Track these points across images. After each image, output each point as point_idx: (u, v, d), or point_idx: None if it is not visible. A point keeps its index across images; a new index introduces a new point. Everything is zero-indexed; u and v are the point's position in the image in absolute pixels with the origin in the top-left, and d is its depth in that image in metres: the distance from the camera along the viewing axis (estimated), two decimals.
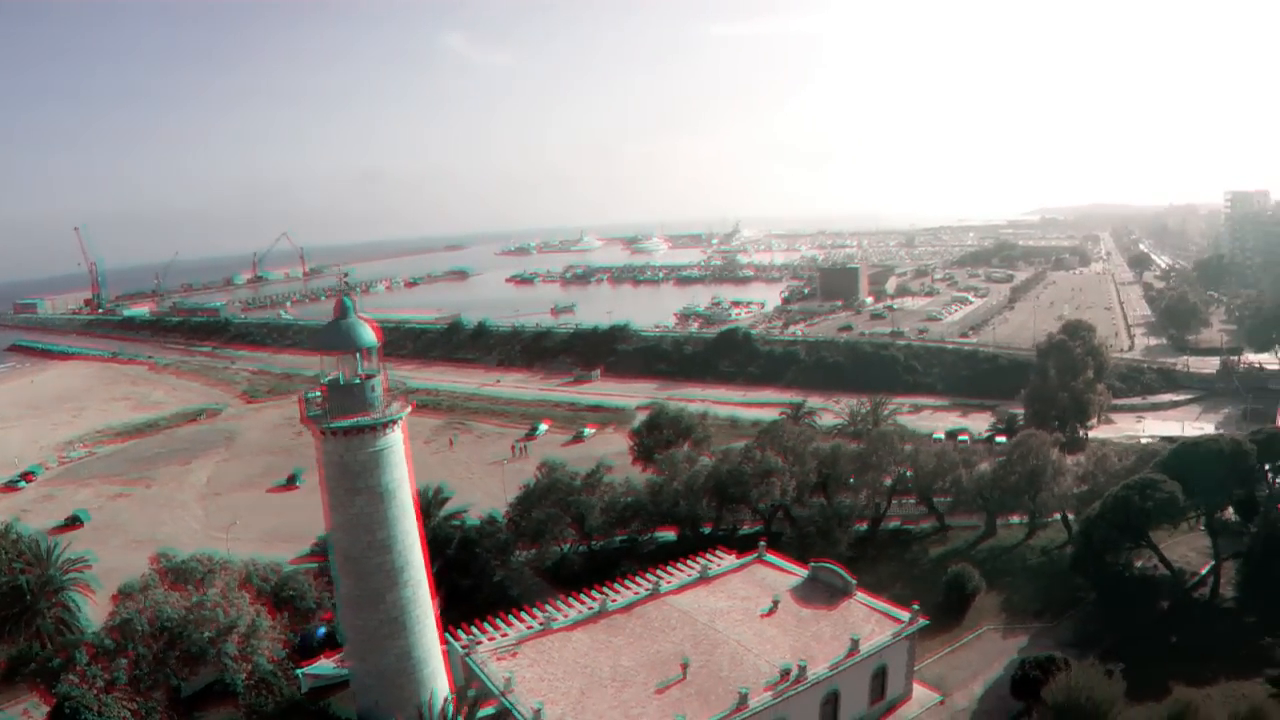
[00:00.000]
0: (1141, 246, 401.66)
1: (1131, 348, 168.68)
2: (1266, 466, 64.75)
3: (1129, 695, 48.82)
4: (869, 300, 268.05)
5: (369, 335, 41.35)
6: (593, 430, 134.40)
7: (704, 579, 63.23)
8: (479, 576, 73.34)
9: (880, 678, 53.89)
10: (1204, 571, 67.72)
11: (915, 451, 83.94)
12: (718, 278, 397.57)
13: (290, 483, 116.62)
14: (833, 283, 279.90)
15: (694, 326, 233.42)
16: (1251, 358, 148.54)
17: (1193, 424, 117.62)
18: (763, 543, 68.87)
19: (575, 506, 77.12)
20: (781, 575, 63.76)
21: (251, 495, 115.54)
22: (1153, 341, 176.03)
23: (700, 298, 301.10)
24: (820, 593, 60.04)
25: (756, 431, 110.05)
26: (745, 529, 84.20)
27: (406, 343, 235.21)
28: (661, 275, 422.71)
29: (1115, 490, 62.35)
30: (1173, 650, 53.83)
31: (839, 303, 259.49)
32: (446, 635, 51.86)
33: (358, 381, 41.25)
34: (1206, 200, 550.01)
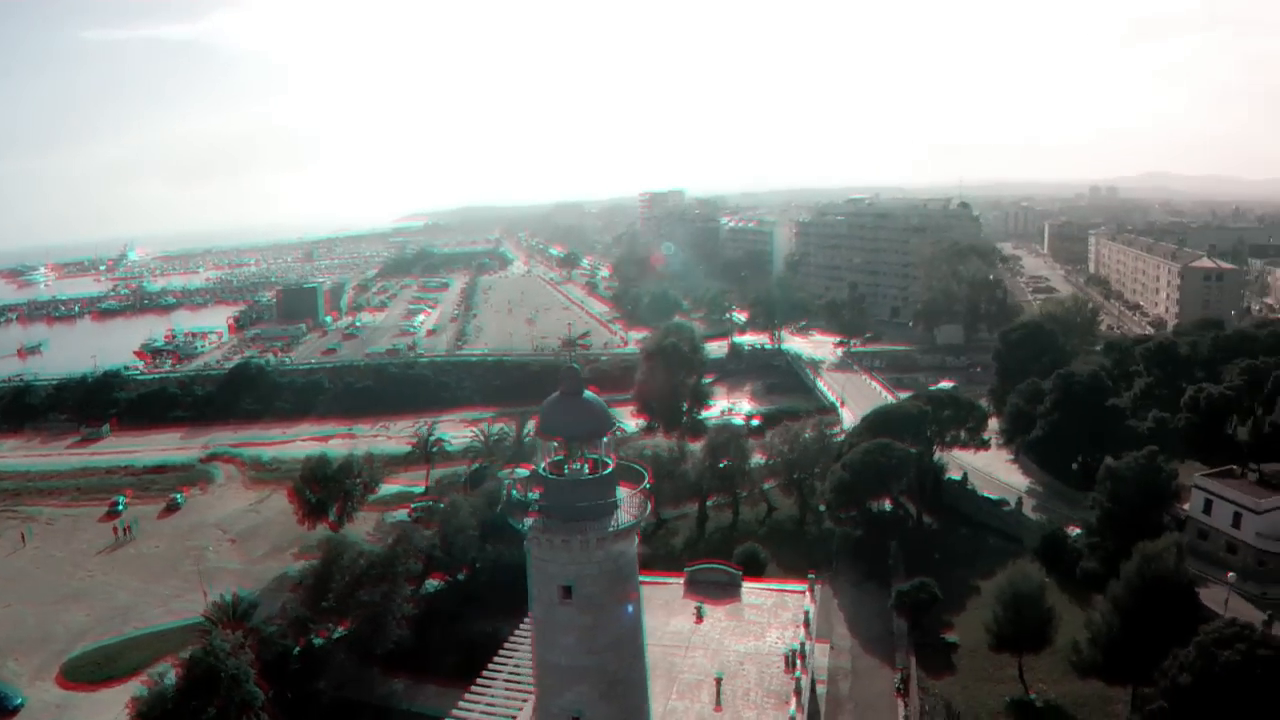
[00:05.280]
0: (553, 250, 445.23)
1: (625, 342, 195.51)
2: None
3: (955, 601, 67.52)
4: (330, 319, 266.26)
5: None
6: (185, 495, 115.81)
7: None
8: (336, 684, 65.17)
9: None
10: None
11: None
12: (139, 307, 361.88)
13: None
14: (294, 303, 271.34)
15: (168, 364, 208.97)
16: (741, 339, 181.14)
17: (724, 400, 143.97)
18: None
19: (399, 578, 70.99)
20: (660, 588, 68.49)
21: None
22: (637, 333, 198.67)
23: (130, 332, 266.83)
24: (713, 590, 66.69)
25: None
26: None
27: None
28: (78, 309, 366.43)
29: (858, 455, 79.66)
30: (944, 563, 74.05)
31: (303, 324, 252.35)
32: None
33: (587, 473, 34.47)
34: (586, 198, 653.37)
